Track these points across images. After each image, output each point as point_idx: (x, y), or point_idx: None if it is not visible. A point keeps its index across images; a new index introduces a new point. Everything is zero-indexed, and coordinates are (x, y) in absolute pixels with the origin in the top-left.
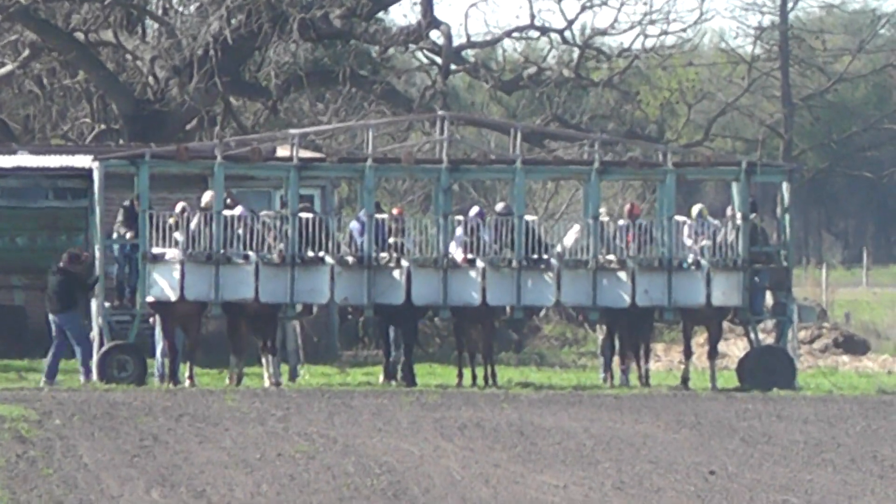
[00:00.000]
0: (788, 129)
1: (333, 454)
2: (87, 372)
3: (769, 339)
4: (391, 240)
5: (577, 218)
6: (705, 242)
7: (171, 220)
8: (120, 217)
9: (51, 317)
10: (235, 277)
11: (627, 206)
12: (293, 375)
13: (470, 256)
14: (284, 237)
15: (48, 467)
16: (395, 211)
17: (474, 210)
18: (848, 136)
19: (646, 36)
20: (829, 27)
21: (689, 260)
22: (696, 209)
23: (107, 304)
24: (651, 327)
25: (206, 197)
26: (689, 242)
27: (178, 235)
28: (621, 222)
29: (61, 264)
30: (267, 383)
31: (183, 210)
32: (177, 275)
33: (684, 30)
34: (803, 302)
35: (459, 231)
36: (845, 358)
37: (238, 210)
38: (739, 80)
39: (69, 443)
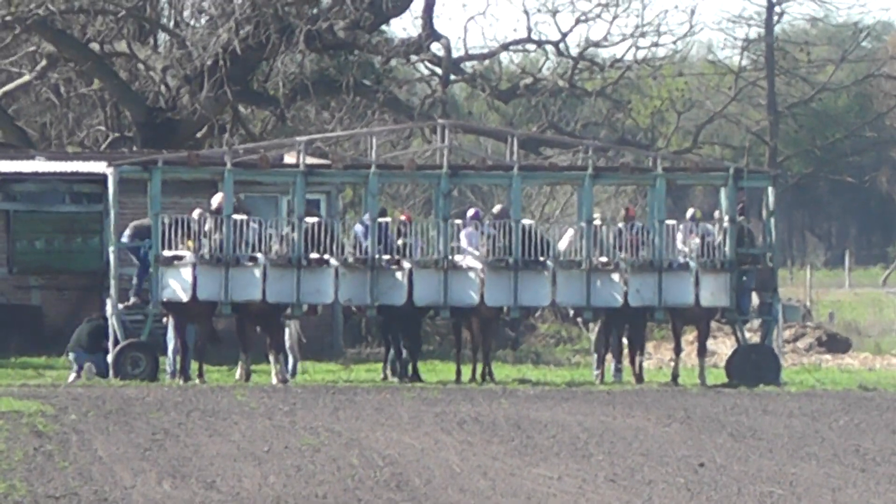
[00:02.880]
0: (774, 136)
1: (338, 447)
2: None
3: (755, 338)
4: (400, 241)
5: (572, 221)
6: (696, 241)
7: (195, 228)
8: (129, 231)
9: (72, 356)
10: (244, 279)
11: (623, 211)
12: (293, 372)
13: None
14: (290, 240)
15: (64, 460)
16: (402, 217)
17: (471, 212)
18: (831, 142)
19: (637, 48)
20: (813, 39)
21: (680, 259)
22: (689, 212)
23: (120, 305)
24: (644, 325)
25: (216, 199)
26: (680, 246)
27: (204, 240)
28: (620, 225)
29: (94, 315)
30: (274, 380)
31: (200, 215)
32: (189, 277)
33: (674, 42)
34: (788, 302)
35: (465, 241)
36: (828, 356)
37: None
38: (727, 89)
39: (84, 437)
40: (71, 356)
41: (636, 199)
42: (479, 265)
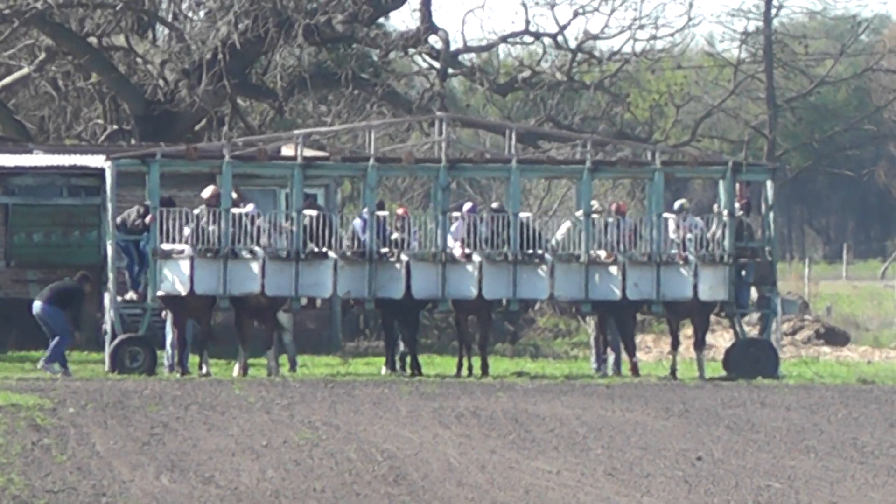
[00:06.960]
0: (772, 129)
1: (336, 441)
2: (53, 359)
3: (754, 331)
4: (394, 235)
5: (569, 215)
6: (689, 235)
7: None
8: (129, 214)
9: (36, 305)
10: (242, 272)
11: (614, 205)
12: (293, 366)
13: (467, 251)
14: (289, 233)
15: (62, 454)
16: (399, 211)
17: (468, 205)
18: (829, 136)
19: (635, 40)
20: (812, 32)
21: (673, 251)
22: (678, 204)
23: (119, 298)
24: (634, 320)
25: (207, 191)
26: (672, 236)
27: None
28: (610, 220)
29: (77, 277)
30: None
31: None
32: (186, 270)
33: (672, 34)
34: (787, 295)
35: (454, 227)
36: (826, 349)
37: (250, 207)
38: (725, 82)
39: (82, 430)
40: (36, 306)
41: (634, 193)
42: (477, 258)
